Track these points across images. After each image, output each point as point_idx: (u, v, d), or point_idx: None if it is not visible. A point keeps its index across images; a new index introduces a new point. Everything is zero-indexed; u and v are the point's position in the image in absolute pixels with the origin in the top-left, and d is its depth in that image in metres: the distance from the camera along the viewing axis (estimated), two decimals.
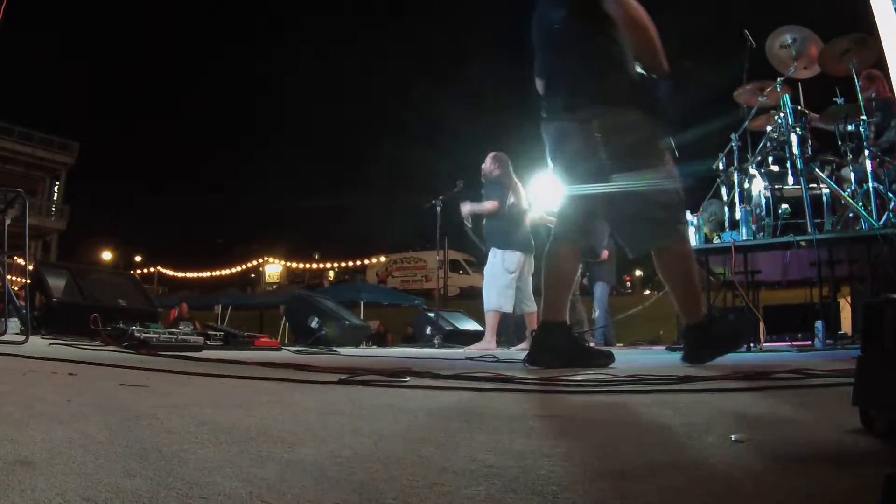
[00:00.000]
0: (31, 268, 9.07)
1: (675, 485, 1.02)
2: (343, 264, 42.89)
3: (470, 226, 8.87)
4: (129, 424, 1.52)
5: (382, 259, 39.69)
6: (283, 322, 16.90)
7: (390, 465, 1.14)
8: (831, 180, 6.42)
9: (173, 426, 1.52)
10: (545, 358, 3.92)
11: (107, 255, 49.76)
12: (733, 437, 1.38)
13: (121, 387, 2.39)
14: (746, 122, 7.27)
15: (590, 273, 11.80)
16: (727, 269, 7.09)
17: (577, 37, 3.95)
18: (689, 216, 6.63)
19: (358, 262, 41.31)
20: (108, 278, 9.60)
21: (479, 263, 31.57)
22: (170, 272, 44.13)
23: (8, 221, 5.46)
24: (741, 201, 6.96)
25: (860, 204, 6.03)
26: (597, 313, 11.49)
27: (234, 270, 44.05)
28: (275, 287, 43.46)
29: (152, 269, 43.78)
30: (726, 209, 7.26)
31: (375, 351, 8.51)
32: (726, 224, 7.22)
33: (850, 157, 6.44)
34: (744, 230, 6.80)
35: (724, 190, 7.44)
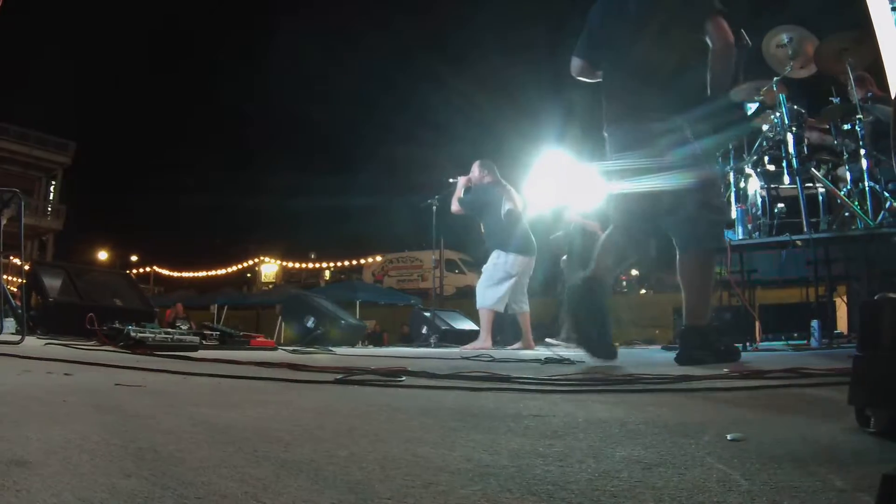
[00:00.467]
0: (27, 268, 9.06)
1: (671, 484, 1.02)
2: (339, 264, 42.84)
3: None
4: (125, 424, 1.52)
5: (378, 259, 39.61)
6: (279, 322, 16.89)
7: (386, 465, 1.14)
8: (827, 179, 6.43)
9: (169, 426, 1.52)
10: (699, 355, 3.99)
11: (103, 255, 49.59)
12: (729, 437, 1.38)
13: (117, 387, 2.39)
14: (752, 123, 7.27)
15: None
16: (723, 269, 7.10)
17: (670, 39, 4.14)
18: None
19: (354, 262, 41.26)
20: (104, 278, 9.58)
21: (475, 263, 31.59)
22: (166, 272, 44.09)
23: (4, 221, 5.46)
24: (737, 201, 6.97)
25: (856, 203, 6.04)
26: None
27: (230, 270, 44.01)
28: (271, 287, 43.33)
29: (148, 269, 43.74)
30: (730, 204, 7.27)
31: (371, 350, 8.51)
32: (729, 217, 7.23)
33: (846, 156, 6.44)
34: (740, 229, 6.80)
35: None
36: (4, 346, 4.35)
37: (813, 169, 6.44)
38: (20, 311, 6.06)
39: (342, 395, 2.36)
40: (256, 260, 46.08)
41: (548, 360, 4.54)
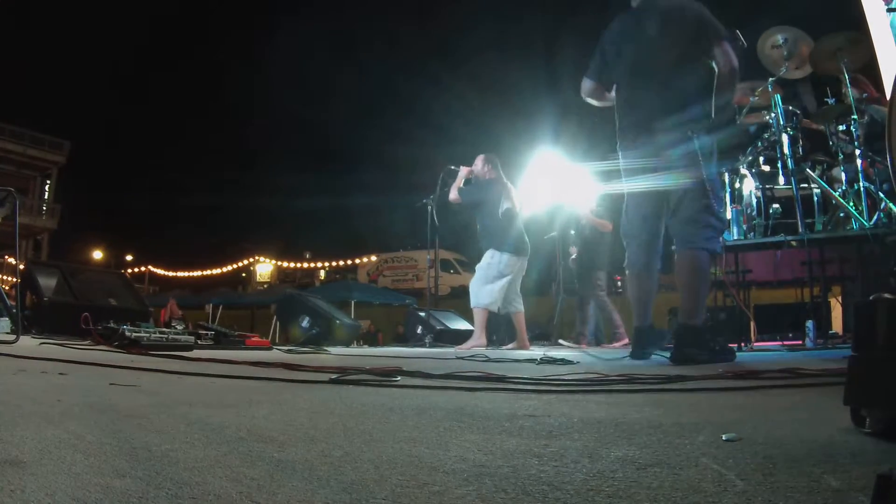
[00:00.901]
0: (22, 267, 9.03)
1: (666, 484, 1.02)
2: (334, 264, 42.83)
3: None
4: (120, 424, 1.52)
5: (373, 258, 39.62)
6: (273, 321, 16.90)
7: (381, 465, 1.14)
8: (822, 180, 6.44)
9: (163, 426, 1.51)
10: (693, 353, 4.19)
11: (98, 255, 49.54)
12: (724, 437, 1.38)
13: (111, 386, 2.38)
14: (738, 122, 7.27)
15: None
16: (718, 269, 7.11)
17: (681, 58, 4.51)
18: None
19: (349, 262, 41.26)
20: (99, 277, 9.56)
21: (470, 263, 31.55)
22: (161, 271, 44.07)
23: None
24: (732, 201, 6.98)
25: (851, 204, 6.05)
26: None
27: (224, 270, 43.99)
28: (266, 286, 43.28)
29: (143, 269, 43.70)
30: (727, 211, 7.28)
31: (366, 350, 8.50)
32: (726, 226, 7.24)
33: (841, 157, 6.46)
34: (735, 230, 6.81)
35: None
36: None
37: (808, 170, 6.45)
38: (15, 310, 6.05)
39: (337, 395, 2.36)
40: (251, 259, 46.03)
41: (543, 361, 4.55)
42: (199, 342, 5.97)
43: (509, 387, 2.57)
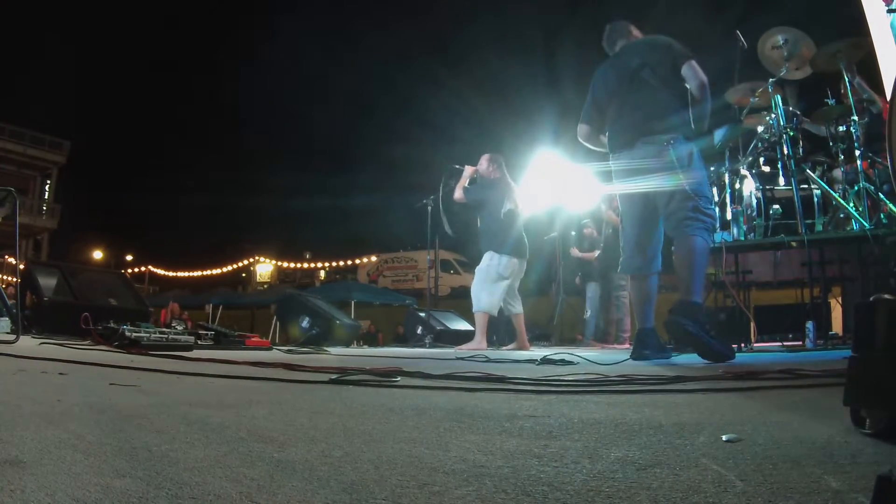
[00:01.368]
0: (22, 267, 9.03)
1: (666, 484, 1.02)
2: (334, 264, 42.84)
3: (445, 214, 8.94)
4: (120, 424, 1.52)
5: (373, 259, 39.62)
6: (273, 321, 16.90)
7: (381, 466, 1.14)
8: (822, 181, 6.44)
9: (163, 426, 1.51)
10: (689, 328, 4.42)
11: (98, 254, 49.53)
12: (724, 438, 1.38)
13: (111, 386, 2.38)
14: (742, 117, 7.27)
15: (582, 273, 11.84)
16: (718, 270, 7.11)
17: (659, 82, 4.99)
18: None
19: (349, 262, 41.27)
20: (99, 277, 9.55)
21: (469, 263, 31.54)
22: (161, 271, 44.07)
23: None
24: (732, 202, 6.97)
25: (851, 205, 6.05)
26: (588, 313, 11.52)
27: (224, 270, 44.01)
28: (266, 286, 43.28)
29: (143, 269, 43.70)
30: (717, 210, 7.27)
31: (366, 350, 8.50)
32: (717, 224, 7.24)
33: (841, 157, 6.45)
34: (735, 230, 6.81)
35: (714, 190, 7.44)
36: None
37: (808, 170, 6.45)
38: (15, 310, 6.05)
39: (337, 395, 2.36)
40: (251, 260, 46.07)
41: (543, 361, 4.55)
42: (199, 342, 5.97)
43: (509, 387, 2.57)
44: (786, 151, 6.56)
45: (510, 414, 1.84)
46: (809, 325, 6.62)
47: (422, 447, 1.32)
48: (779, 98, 6.78)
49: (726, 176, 7.13)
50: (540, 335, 12.50)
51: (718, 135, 7.23)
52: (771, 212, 6.52)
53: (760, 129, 7.09)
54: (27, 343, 5.01)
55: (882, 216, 5.86)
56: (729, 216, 6.98)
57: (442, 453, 1.26)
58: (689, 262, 4.65)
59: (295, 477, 1.04)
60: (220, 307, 27.70)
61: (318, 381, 2.79)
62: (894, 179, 2.94)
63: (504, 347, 8.73)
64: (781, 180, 6.65)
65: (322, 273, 44.39)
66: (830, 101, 6.84)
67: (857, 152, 6.14)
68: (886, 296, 1.33)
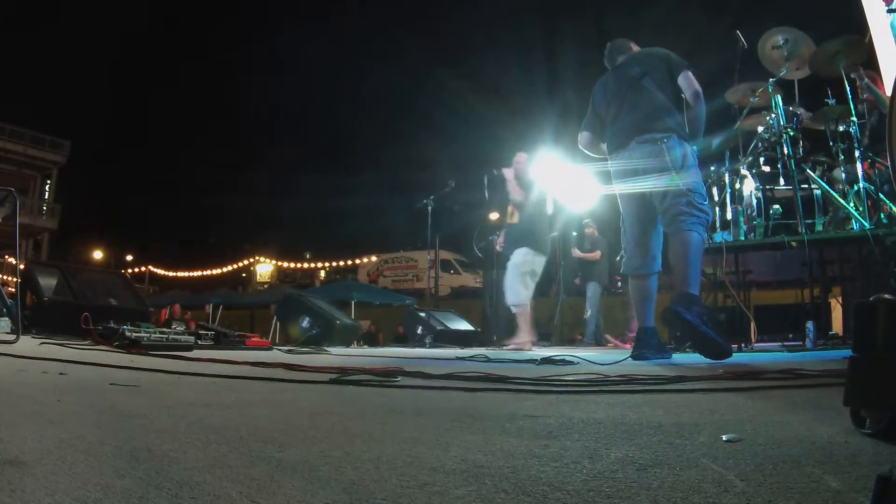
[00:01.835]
0: (21, 267, 9.03)
1: (666, 485, 1.02)
2: (334, 264, 42.86)
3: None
4: (120, 424, 1.52)
5: (373, 259, 39.61)
6: (274, 321, 16.89)
7: (381, 465, 1.14)
8: (822, 181, 6.43)
9: (164, 426, 1.51)
10: (679, 311, 4.50)
11: (98, 255, 49.51)
12: (724, 437, 1.38)
13: (111, 386, 2.39)
14: (738, 123, 7.27)
15: (582, 273, 11.85)
16: (718, 270, 7.11)
17: (657, 86, 5.15)
18: None
19: (349, 262, 41.28)
20: (99, 277, 9.54)
21: (469, 264, 31.55)
22: (161, 271, 44.10)
23: None
24: (732, 202, 6.97)
25: (851, 204, 6.04)
26: (588, 313, 11.53)
27: (225, 270, 44.05)
28: (266, 286, 43.28)
29: (143, 269, 43.71)
30: (717, 209, 7.26)
31: (366, 351, 8.50)
32: (717, 224, 7.23)
33: (841, 157, 6.45)
34: (735, 230, 6.81)
35: (715, 190, 7.44)
36: None
37: (808, 170, 6.45)
38: (15, 310, 6.05)
39: (337, 395, 2.36)
40: (251, 260, 46.11)
41: (543, 361, 4.56)
42: (199, 342, 5.97)
43: (509, 387, 2.57)
44: (786, 151, 6.56)
45: (510, 414, 1.84)
46: (809, 325, 6.61)
47: (422, 447, 1.32)
48: (779, 98, 6.78)
49: (726, 176, 7.13)
50: (540, 335, 12.51)
51: (716, 142, 7.27)
52: (771, 212, 6.51)
53: (760, 129, 7.08)
54: (27, 343, 5.00)
55: (882, 216, 5.86)
56: (729, 216, 6.97)
57: (442, 453, 1.26)
58: (685, 255, 4.71)
59: (295, 477, 1.05)
60: (221, 307, 27.70)
61: (319, 381, 2.79)
62: (894, 179, 2.94)
63: (505, 347, 8.74)
64: (782, 180, 6.65)
65: (322, 273, 44.42)
66: (831, 101, 6.84)
67: (857, 152, 6.14)
68: (886, 296, 1.33)
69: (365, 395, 2.35)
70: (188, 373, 3.09)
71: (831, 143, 6.59)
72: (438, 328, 11.34)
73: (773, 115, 6.78)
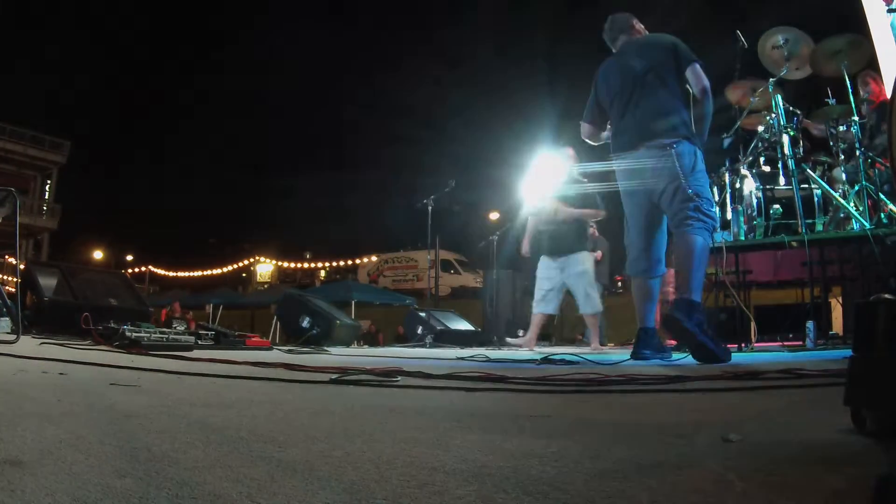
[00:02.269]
0: (22, 267, 9.03)
1: (666, 484, 1.02)
2: (334, 264, 42.93)
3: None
4: (120, 424, 1.52)
5: (374, 259, 39.66)
6: (274, 321, 16.90)
7: (381, 465, 1.14)
8: (823, 181, 6.43)
9: (164, 426, 1.51)
10: (679, 317, 4.49)
11: (98, 255, 49.54)
12: (724, 437, 1.38)
13: (111, 386, 2.38)
14: (738, 123, 7.27)
15: None
16: (718, 270, 7.11)
17: (663, 84, 5.01)
18: None
19: (349, 262, 41.35)
20: (99, 277, 9.53)
21: (470, 263, 31.57)
22: (161, 271, 44.14)
23: None
24: (732, 202, 6.98)
25: (851, 204, 6.05)
26: None
27: (225, 270, 44.11)
28: (266, 286, 43.32)
29: (144, 269, 43.74)
30: (717, 209, 7.26)
31: (367, 351, 8.50)
32: (717, 226, 7.23)
33: (841, 157, 6.46)
34: (735, 230, 6.81)
35: (715, 190, 7.45)
36: None
37: (808, 170, 6.45)
38: (15, 310, 6.05)
39: (337, 395, 2.36)
40: (252, 260, 46.17)
41: (543, 361, 4.56)
42: (199, 342, 5.96)
43: (510, 387, 2.57)
44: (786, 151, 6.57)
45: (511, 414, 1.84)
46: (810, 324, 6.61)
47: (422, 447, 1.32)
48: (779, 98, 6.79)
49: (726, 176, 7.13)
50: (540, 335, 12.50)
51: (727, 141, 7.26)
52: (771, 211, 6.52)
53: (761, 128, 7.09)
54: (27, 343, 5.00)
55: (882, 216, 5.86)
56: (729, 216, 6.98)
57: (442, 453, 1.26)
58: (689, 259, 4.67)
59: (295, 477, 1.04)
60: (221, 307, 27.75)
61: (319, 381, 2.79)
62: (894, 179, 2.95)
63: (506, 346, 8.74)
64: (782, 180, 6.65)
65: (322, 273, 44.46)
66: (831, 101, 6.84)
67: (858, 152, 6.14)
68: (886, 296, 1.33)
69: (365, 395, 2.35)
70: (188, 373, 3.09)
71: (831, 143, 6.60)
72: (439, 328, 11.33)
73: (773, 115, 6.78)
